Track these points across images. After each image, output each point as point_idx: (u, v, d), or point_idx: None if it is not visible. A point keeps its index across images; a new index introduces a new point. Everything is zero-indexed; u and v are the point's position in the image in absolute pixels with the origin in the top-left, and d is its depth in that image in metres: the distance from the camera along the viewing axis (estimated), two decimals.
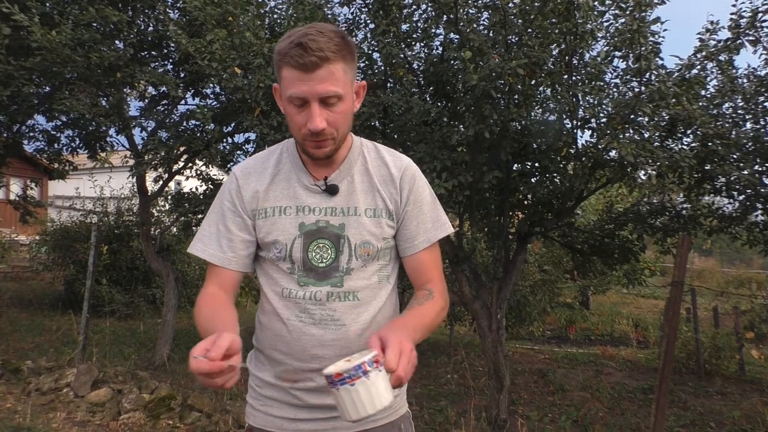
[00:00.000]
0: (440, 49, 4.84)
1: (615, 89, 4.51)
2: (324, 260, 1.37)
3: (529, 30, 4.20)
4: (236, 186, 1.42)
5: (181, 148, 6.06)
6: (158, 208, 9.09)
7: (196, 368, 1.02)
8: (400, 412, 1.49)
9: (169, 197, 7.41)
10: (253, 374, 1.50)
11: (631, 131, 4.12)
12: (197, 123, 5.93)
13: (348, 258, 1.38)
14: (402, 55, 4.64)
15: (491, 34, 4.33)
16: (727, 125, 4.61)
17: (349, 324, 1.37)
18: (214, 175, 6.89)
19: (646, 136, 4.14)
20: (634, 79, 4.19)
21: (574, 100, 4.25)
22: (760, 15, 4.43)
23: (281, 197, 1.40)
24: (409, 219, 1.43)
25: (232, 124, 6.26)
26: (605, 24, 4.36)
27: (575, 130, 4.45)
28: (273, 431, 1.42)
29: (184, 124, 6.15)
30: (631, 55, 4.08)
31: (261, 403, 1.45)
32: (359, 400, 1.04)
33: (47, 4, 5.16)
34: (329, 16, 4.96)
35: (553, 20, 4.21)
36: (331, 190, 1.39)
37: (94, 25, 5.22)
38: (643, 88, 3.98)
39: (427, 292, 1.43)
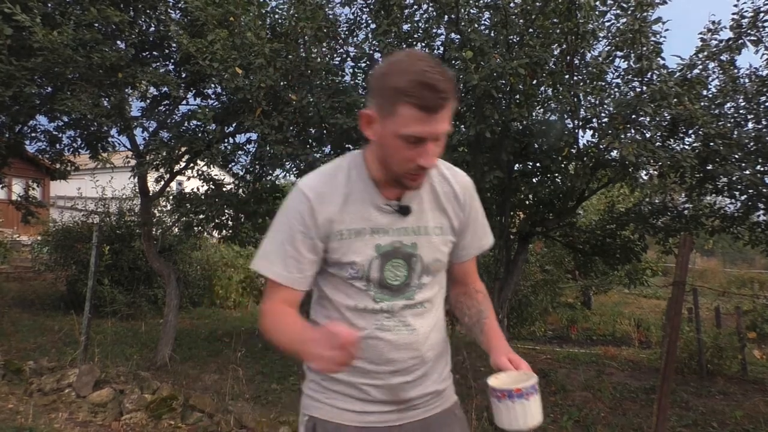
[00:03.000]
0: (441, 49, 4.84)
1: (616, 89, 4.51)
2: (398, 278, 1.43)
3: (531, 30, 4.20)
4: (308, 208, 1.39)
5: (183, 149, 6.07)
6: (160, 209, 9.10)
7: (341, 337, 1.12)
8: (452, 400, 1.58)
9: (171, 197, 7.42)
10: (312, 370, 1.51)
11: (633, 131, 4.11)
12: (198, 123, 5.93)
13: (420, 274, 1.45)
14: None
15: (492, 34, 4.33)
16: (728, 125, 4.60)
17: (418, 328, 1.46)
18: (216, 175, 6.89)
19: (648, 136, 4.13)
20: (635, 78, 4.19)
21: (575, 99, 4.25)
22: (761, 15, 4.43)
23: (356, 219, 1.41)
24: (467, 231, 1.54)
25: (234, 125, 6.26)
26: (606, 24, 4.36)
27: (576, 130, 4.45)
28: (340, 422, 1.45)
29: (186, 124, 6.15)
30: (632, 54, 4.08)
31: (326, 396, 1.47)
32: (530, 412, 1.29)
33: (49, 5, 5.16)
34: (330, 16, 4.96)
35: (555, 20, 4.21)
36: (404, 211, 1.42)
37: (96, 25, 5.22)
38: (644, 87, 3.98)
39: (482, 295, 1.62)
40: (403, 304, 1.44)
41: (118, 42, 5.67)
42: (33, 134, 7.22)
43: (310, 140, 5.44)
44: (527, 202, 5.35)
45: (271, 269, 1.41)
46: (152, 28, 6.11)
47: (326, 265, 1.45)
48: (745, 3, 4.51)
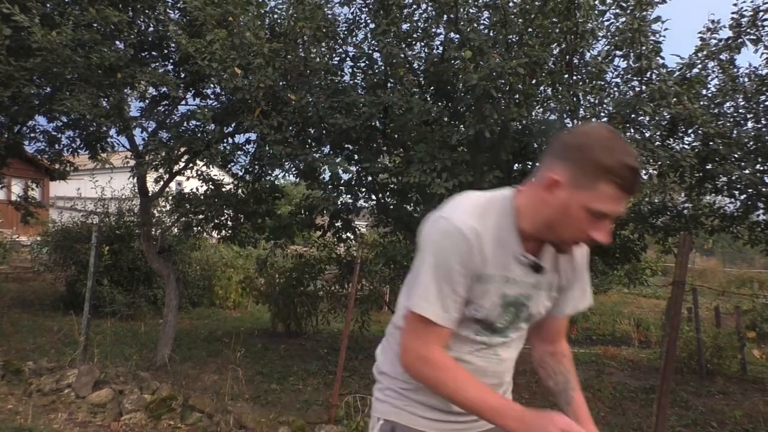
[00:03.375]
0: (440, 48, 4.84)
1: (616, 88, 4.51)
2: (505, 322, 1.48)
3: (530, 29, 4.20)
4: (468, 248, 1.38)
5: (182, 149, 6.06)
6: (159, 209, 9.09)
7: None
8: None
9: (170, 198, 7.41)
10: (391, 377, 1.56)
11: (632, 130, 4.11)
12: (198, 123, 5.92)
13: (522, 321, 1.52)
14: (402, 55, 4.64)
15: (492, 34, 4.33)
16: (728, 124, 4.60)
17: (506, 359, 1.56)
18: (215, 175, 6.88)
19: (647, 135, 4.13)
20: (634, 78, 4.19)
21: (574, 99, 4.25)
22: (761, 14, 4.42)
23: (498, 265, 1.42)
24: (571, 290, 1.58)
25: (233, 125, 6.25)
26: (606, 23, 4.36)
27: None
28: (421, 429, 1.51)
29: (185, 124, 6.14)
30: (631, 54, 4.08)
31: (405, 403, 1.52)
32: None
33: (48, 5, 5.16)
34: (329, 15, 4.95)
35: (554, 19, 4.21)
36: (537, 269, 1.45)
37: (95, 25, 5.21)
38: (644, 87, 3.98)
39: (568, 360, 1.65)
40: (500, 341, 1.52)
41: (117, 42, 5.67)
42: (32, 134, 7.21)
43: (309, 140, 5.44)
44: None
45: (431, 310, 1.39)
46: (151, 28, 6.10)
47: None
48: (744, 2, 4.51)
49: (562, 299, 1.58)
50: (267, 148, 5.08)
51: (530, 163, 5.05)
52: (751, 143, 4.62)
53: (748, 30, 4.51)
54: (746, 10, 4.51)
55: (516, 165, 4.95)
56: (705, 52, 4.51)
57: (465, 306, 1.43)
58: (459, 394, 1.39)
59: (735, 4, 4.52)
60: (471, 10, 4.57)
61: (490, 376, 1.53)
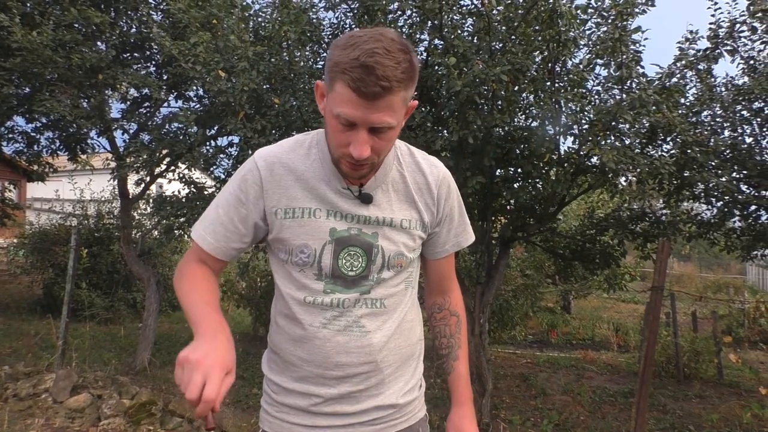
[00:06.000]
0: (425, 54, 4.86)
1: (597, 96, 4.56)
2: (354, 269, 1.32)
3: (513, 37, 4.24)
4: (255, 177, 1.31)
5: (164, 151, 6.01)
6: (139, 212, 9.00)
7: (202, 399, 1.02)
8: (419, 416, 1.48)
9: (151, 200, 7.34)
10: (268, 378, 1.44)
11: (613, 138, 4.17)
12: (180, 126, 5.88)
13: (380, 268, 1.33)
14: None
15: (475, 41, 4.37)
16: (705, 133, 4.69)
17: (373, 331, 1.34)
18: (197, 178, 6.83)
19: (627, 142, 4.19)
20: (615, 86, 4.25)
21: (556, 106, 4.30)
22: (737, 26, 4.53)
23: (310, 198, 1.30)
24: (442, 226, 1.43)
25: (216, 128, 6.22)
26: (587, 32, 4.42)
27: (558, 137, 4.49)
28: None
29: (167, 126, 6.10)
30: (612, 62, 4.14)
31: (276, 410, 1.40)
32: None
33: (28, 5, 5.10)
34: (314, 20, 4.96)
35: (537, 28, 4.26)
36: (365, 199, 1.31)
37: (76, 26, 5.16)
38: (624, 95, 4.04)
39: (456, 320, 1.55)
40: (357, 297, 1.32)
41: (99, 43, 5.61)
42: (10, 135, 7.11)
43: None
44: (508, 207, 5.38)
45: (199, 233, 1.36)
46: (133, 30, 6.06)
47: (277, 248, 1.35)
48: (722, 14, 4.61)
49: (437, 238, 1.43)
50: (250, 152, 5.07)
51: (512, 169, 5.09)
52: (727, 151, 4.71)
53: (725, 41, 4.62)
54: (723, 21, 4.62)
55: (499, 171, 4.99)
56: (684, 62, 4.60)
57: (285, 253, 1.32)
58: (183, 301, 1.27)
59: (713, 16, 4.62)
60: (455, 17, 4.60)
61: (354, 353, 1.32)
